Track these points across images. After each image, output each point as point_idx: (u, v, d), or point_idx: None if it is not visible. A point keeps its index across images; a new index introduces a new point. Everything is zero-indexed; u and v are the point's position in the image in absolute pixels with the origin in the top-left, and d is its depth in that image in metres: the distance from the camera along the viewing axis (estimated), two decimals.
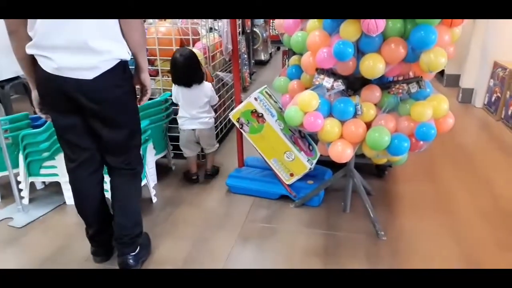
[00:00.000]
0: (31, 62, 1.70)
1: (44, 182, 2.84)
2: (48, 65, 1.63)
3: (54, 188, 2.74)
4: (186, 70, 2.63)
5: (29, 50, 1.65)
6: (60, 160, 2.54)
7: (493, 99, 4.32)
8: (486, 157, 3.33)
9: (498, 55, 4.32)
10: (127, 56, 1.73)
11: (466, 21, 1.79)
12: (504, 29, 4.21)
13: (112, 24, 1.65)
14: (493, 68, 4.37)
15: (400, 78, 2.00)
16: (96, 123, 1.79)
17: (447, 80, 5.43)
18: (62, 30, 1.57)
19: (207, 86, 2.75)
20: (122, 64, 1.73)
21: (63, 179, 2.59)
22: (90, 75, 1.65)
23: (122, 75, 1.76)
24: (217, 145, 2.98)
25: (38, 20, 1.58)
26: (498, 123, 4.09)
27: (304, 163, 2.54)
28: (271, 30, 6.98)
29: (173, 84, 2.74)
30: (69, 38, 1.59)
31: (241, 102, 2.63)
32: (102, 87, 1.69)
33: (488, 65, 4.43)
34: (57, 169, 2.56)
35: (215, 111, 3.03)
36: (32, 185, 2.73)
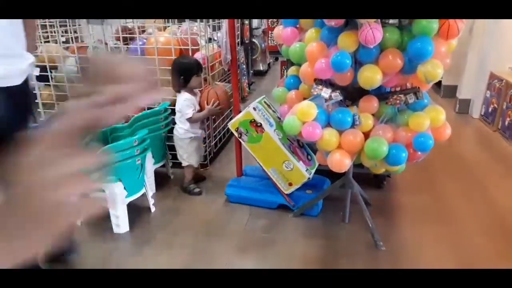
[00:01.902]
0: None
1: None
2: None
3: None
4: (171, 76, 2.69)
5: None
6: None
7: (490, 109, 4.35)
8: (483, 167, 3.35)
9: (495, 66, 4.36)
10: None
11: (462, 32, 1.81)
12: (500, 41, 4.26)
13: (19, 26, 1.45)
14: (489, 79, 4.41)
15: (398, 89, 2.01)
16: None
17: (444, 91, 5.47)
18: None
19: (180, 97, 2.72)
20: None
21: None
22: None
23: None
24: (188, 163, 2.84)
25: None
26: (495, 134, 4.12)
27: (303, 172, 2.55)
28: (269, 40, 7.03)
29: None
30: None
31: (240, 111, 2.65)
32: None
33: (484, 76, 4.47)
34: None
35: (214, 120, 3.05)
36: None
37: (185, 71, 2.68)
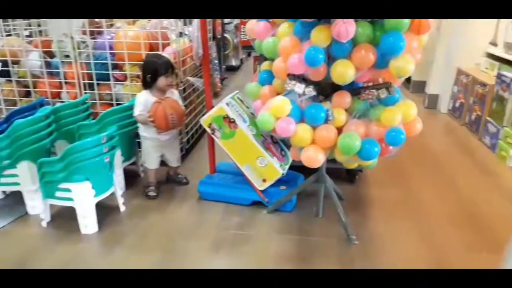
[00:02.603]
0: None
1: (4, 192, 2.70)
2: None
3: (15, 197, 2.60)
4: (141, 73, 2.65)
5: None
6: (21, 169, 2.42)
7: (457, 104, 4.47)
8: (451, 160, 3.43)
9: (462, 62, 4.49)
10: None
11: (432, 28, 1.83)
12: (467, 38, 4.38)
13: None
14: (456, 75, 4.53)
15: (370, 84, 2.02)
16: None
17: (414, 86, 5.59)
18: None
19: (139, 94, 2.64)
20: None
21: (25, 188, 2.47)
22: None
23: None
24: (145, 165, 2.80)
25: None
26: (462, 128, 4.24)
27: (277, 168, 2.53)
28: (241, 35, 6.98)
29: None
30: None
31: (213, 107, 2.60)
32: None
33: (452, 72, 4.59)
34: (19, 178, 2.45)
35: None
36: None
37: (152, 71, 2.57)
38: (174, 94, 2.72)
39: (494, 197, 2.81)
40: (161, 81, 2.57)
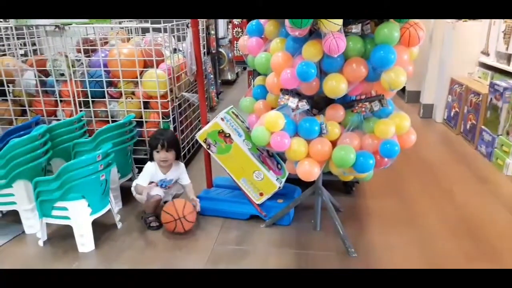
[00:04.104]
0: None
1: (1, 211, 2.69)
2: None
3: (12, 216, 2.59)
4: None
5: None
6: (17, 188, 2.42)
7: (452, 114, 4.49)
8: (448, 170, 3.44)
9: (455, 72, 4.53)
10: None
11: (424, 38, 1.86)
12: (459, 47, 4.43)
13: None
14: (450, 85, 4.57)
15: (363, 97, 2.04)
16: None
17: (409, 96, 5.63)
18: None
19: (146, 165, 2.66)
20: None
21: (22, 207, 2.46)
22: None
23: None
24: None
25: None
26: (457, 137, 4.26)
27: (273, 182, 2.53)
28: (235, 50, 7.03)
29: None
30: None
31: (208, 122, 2.61)
32: None
33: (445, 82, 4.63)
34: (15, 197, 2.44)
35: (182, 131, 2.99)
36: None
37: (149, 145, 2.63)
38: (180, 167, 2.72)
39: (491, 206, 2.81)
40: (155, 155, 2.59)
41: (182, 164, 2.76)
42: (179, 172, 2.71)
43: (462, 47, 4.41)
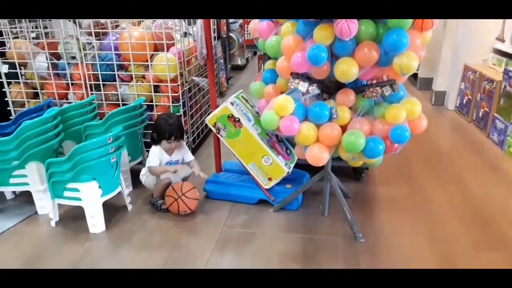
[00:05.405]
0: None
1: (14, 192, 2.74)
2: None
3: (25, 197, 2.64)
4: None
5: None
6: (30, 169, 2.46)
7: (464, 101, 4.43)
8: (459, 158, 3.41)
9: (468, 58, 4.45)
10: None
11: (436, 25, 1.82)
12: (474, 33, 4.34)
13: None
14: (463, 72, 4.50)
15: (374, 82, 2.02)
16: None
17: (420, 83, 5.56)
18: None
19: (151, 149, 2.66)
20: None
21: (34, 188, 2.51)
22: None
23: None
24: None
25: None
26: (469, 125, 4.20)
27: (282, 167, 2.54)
28: (246, 35, 6.96)
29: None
30: None
31: (218, 107, 2.61)
32: None
33: (459, 69, 4.55)
34: (28, 178, 2.48)
35: (191, 116, 2.99)
36: (1, 195, 2.64)
37: (158, 132, 2.60)
38: (183, 146, 2.73)
39: (502, 194, 2.79)
40: (164, 144, 2.61)
41: (183, 143, 2.77)
42: (183, 151, 2.73)
43: (477, 33, 4.32)
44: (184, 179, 2.74)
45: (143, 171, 2.68)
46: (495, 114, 3.69)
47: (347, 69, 1.84)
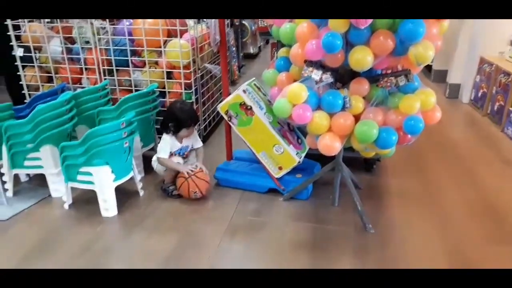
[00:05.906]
0: None
1: (28, 175, 2.79)
2: None
3: (39, 180, 2.68)
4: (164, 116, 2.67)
5: None
6: (44, 152, 2.49)
7: (479, 94, 4.36)
8: (472, 151, 3.37)
9: (485, 51, 4.37)
10: None
11: None
12: (490, 25, 4.25)
13: None
14: (479, 64, 4.42)
15: (389, 71, 1.99)
16: None
17: (435, 75, 5.48)
18: None
19: (162, 138, 2.63)
20: None
21: (48, 171, 2.54)
22: None
23: None
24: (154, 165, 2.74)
25: None
26: (484, 118, 4.14)
27: (293, 156, 2.53)
28: (259, 22, 6.92)
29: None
30: None
31: (230, 94, 2.61)
32: None
33: (474, 61, 4.47)
34: (42, 161, 2.52)
35: (203, 103, 2.99)
36: (16, 177, 2.68)
37: (176, 121, 2.55)
38: (194, 134, 2.73)
39: None
40: (183, 132, 2.59)
41: (195, 131, 2.77)
42: (193, 138, 2.73)
43: (494, 25, 4.22)
44: None
45: (155, 157, 2.70)
46: (511, 108, 3.63)
47: (361, 58, 1.81)
